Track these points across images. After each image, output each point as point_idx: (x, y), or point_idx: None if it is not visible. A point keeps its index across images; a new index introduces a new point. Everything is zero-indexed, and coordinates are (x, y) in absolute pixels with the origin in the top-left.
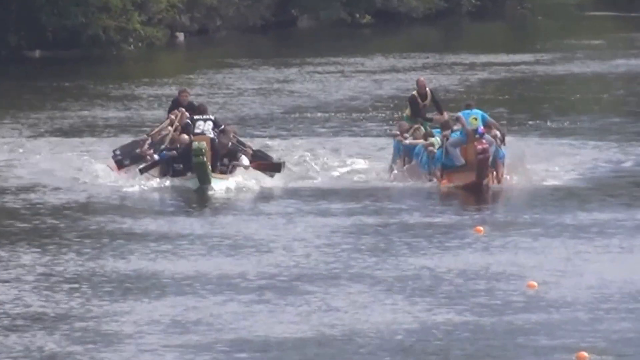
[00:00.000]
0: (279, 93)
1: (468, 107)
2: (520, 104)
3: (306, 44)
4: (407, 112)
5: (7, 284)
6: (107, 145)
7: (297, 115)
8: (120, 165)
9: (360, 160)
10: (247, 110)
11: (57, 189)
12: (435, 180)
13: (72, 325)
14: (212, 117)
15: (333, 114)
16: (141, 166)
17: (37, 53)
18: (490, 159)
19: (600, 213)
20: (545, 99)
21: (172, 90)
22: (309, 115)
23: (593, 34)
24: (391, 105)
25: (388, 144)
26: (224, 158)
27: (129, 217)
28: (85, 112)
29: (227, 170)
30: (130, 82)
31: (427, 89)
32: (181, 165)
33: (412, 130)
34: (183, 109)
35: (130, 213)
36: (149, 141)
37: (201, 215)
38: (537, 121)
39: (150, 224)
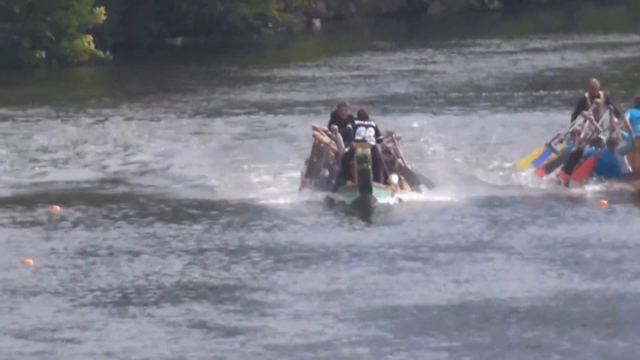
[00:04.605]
0: (416, 74)
1: (638, 104)
2: None
3: (438, 29)
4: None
5: (166, 257)
6: (259, 126)
7: (437, 94)
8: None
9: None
10: (387, 90)
11: (207, 174)
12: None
13: (229, 295)
14: (374, 124)
15: (473, 93)
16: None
17: (179, 40)
18: None
19: None
20: None
21: (314, 73)
22: (450, 94)
23: None
24: (526, 84)
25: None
26: (381, 171)
27: (282, 201)
28: (231, 95)
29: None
30: (271, 66)
31: (601, 91)
32: (342, 178)
33: (583, 135)
34: (336, 127)
35: (282, 199)
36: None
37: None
38: None
39: (299, 206)
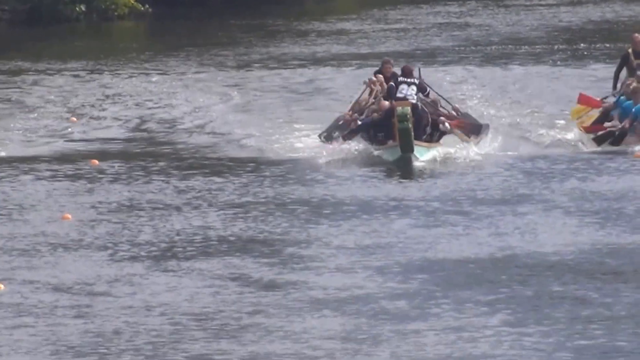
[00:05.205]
0: (457, 27)
1: None
2: None
3: None
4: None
5: (205, 211)
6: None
7: (478, 48)
8: (329, 140)
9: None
10: (427, 44)
11: (246, 129)
12: None
13: (269, 248)
14: (417, 81)
15: (514, 46)
16: (344, 132)
17: None
18: None
19: None
20: None
21: (354, 26)
22: (491, 48)
23: None
24: (567, 37)
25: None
26: (427, 127)
27: (318, 161)
28: (271, 49)
29: (431, 139)
30: (311, 19)
31: None
32: (382, 134)
33: (624, 87)
34: (381, 77)
35: (321, 153)
36: (350, 114)
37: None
38: None
39: (339, 161)
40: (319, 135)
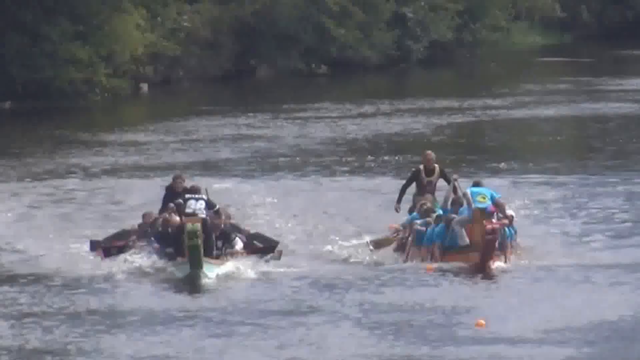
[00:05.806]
0: (245, 139)
1: (476, 184)
2: (475, 148)
3: (266, 93)
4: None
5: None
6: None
7: (265, 160)
8: (107, 253)
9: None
10: (214, 155)
11: (31, 241)
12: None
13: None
14: (205, 197)
15: (301, 158)
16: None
17: (7, 104)
18: (498, 240)
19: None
20: (500, 142)
21: (141, 137)
22: (279, 160)
23: (545, 78)
24: (354, 150)
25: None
26: (218, 241)
27: (109, 268)
28: (58, 160)
29: (220, 254)
30: (98, 131)
31: (436, 164)
32: (172, 249)
33: (418, 206)
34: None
35: (105, 269)
36: (136, 231)
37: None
38: (494, 164)
39: (128, 274)
40: (94, 242)
